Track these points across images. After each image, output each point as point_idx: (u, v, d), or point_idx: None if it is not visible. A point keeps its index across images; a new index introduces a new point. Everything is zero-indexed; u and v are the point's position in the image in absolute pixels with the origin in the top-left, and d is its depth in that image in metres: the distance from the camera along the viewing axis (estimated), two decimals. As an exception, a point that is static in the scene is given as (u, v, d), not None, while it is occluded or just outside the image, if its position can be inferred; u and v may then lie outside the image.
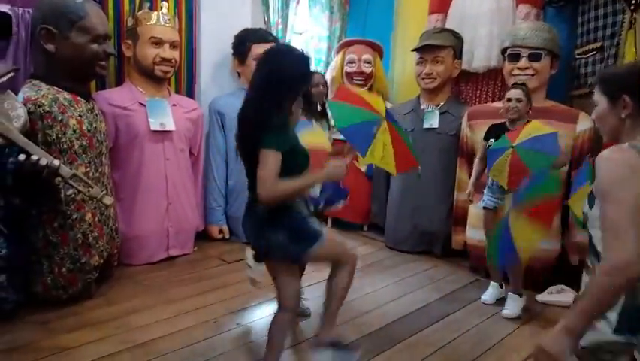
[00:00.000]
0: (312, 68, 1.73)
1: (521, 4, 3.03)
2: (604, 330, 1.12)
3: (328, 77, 3.80)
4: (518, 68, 2.73)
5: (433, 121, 3.15)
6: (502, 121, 2.45)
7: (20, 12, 2.24)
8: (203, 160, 3.30)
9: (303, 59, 1.55)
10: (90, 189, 1.91)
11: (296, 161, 1.53)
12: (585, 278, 1.28)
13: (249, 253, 1.99)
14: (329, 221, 3.89)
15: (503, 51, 2.88)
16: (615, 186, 1.09)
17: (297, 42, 4.03)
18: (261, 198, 1.47)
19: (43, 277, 2.21)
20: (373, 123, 1.75)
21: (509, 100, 2.37)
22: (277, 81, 1.48)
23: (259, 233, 1.60)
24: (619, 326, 1.11)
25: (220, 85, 3.45)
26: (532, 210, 1.82)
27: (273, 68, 1.51)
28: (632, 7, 2.50)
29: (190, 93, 3.30)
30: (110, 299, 2.42)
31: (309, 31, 4.07)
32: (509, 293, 2.42)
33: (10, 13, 2.20)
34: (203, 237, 3.35)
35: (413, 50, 3.21)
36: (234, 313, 2.33)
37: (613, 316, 1.11)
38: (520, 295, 2.39)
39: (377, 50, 3.72)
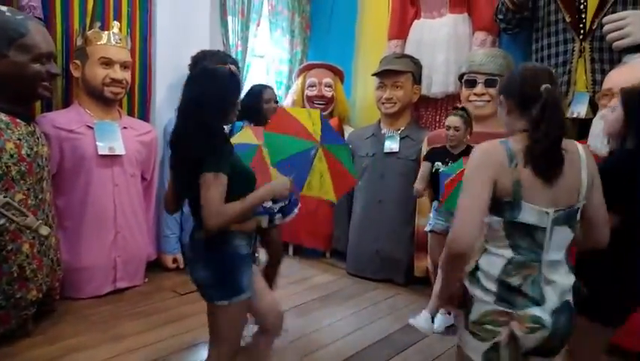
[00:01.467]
0: (240, 87, 1.77)
1: (478, 32, 3.09)
2: (488, 300, 1.20)
3: (289, 100, 3.76)
4: (475, 94, 2.76)
5: (393, 145, 3.14)
6: (444, 145, 2.58)
7: (-46, 28, 2.09)
8: (157, 185, 3.16)
9: (230, 80, 1.52)
10: (25, 218, 1.76)
11: (240, 183, 1.46)
12: (472, 259, 1.34)
13: None
14: (290, 248, 3.78)
15: (460, 77, 2.91)
16: (470, 172, 1.23)
17: (257, 65, 3.98)
18: (208, 226, 1.38)
19: (-28, 315, 2.01)
20: (309, 152, 1.69)
21: (448, 128, 2.48)
22: (205, 104, 1.43)
23: (193, 264, 1.56)
24: (498, 297, 1.20)
25: (175, 107, 3.32)
26: None
27: (199, 91, 1.46)
28: (580, 37, 2.58)
29: (144, 116, 3.17)
30: (50, 337, 2.24)
31: (270, 54, 4.03)
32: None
33: (-59, 29, 2.04)
34: (156, 267, 3.17)
35: (373, 75, 3.21)
36: (187, 350, 2.19)
37: (493, 287, 1.20)
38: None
39: (338, 74, 3.71)
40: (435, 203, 2.54)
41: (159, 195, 3.17)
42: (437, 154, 2.58)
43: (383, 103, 3.17)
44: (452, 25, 3.18)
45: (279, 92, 4.05)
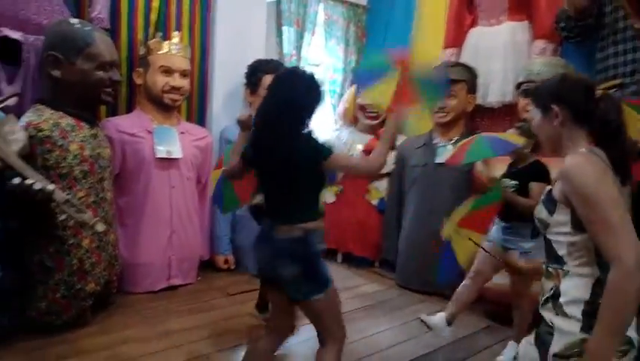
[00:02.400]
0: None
1: (537, 40, 2.96)
2: (572, 329, 1.13)
3: (341, 108, 3.78)
4: (532, 104, 2.64)
5: (445, 156, 3.06)
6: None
7: (32, 39, 2.29)
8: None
9: (315, 80, 1.58)
10: (83, 215, 1.88)
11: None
12: (546, 285, 1.26)
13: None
14: (339, 256, 3.79)
15: (518, 86, 2.80)
16: (598, 187, 1.11)
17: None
18: (373, 171, 1.60)
19: (38, 303, 2.18)
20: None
21: None
22: (298, 103, 1.53)
23: (273, 260, 1.59)
24: (585, 324, 1.11)
25: (231, 114, 3.44)
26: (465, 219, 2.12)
27: (291, 91, 1.54)
28: (653, 44, 2.41)
29: (201, 122, 3.31)
30: (104, 328, 2.37)
31: (324, 63, 4.08)
32: (510, 342, 2.25)
33: (21, 39, 2.25)
34: (208, 266, 3.29)
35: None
36: (229, 350, 2.24)
37: (578, 313, 1.13)
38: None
39: (391, 82, 3.68)
40: (495, 217, 2.26)
41: (213, 198, 3.29)
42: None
43: (436, 112, 3.10)
44: (511, 32, 3.07)
45: (332, 100, 4.09)
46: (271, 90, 1.59)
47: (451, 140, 3.14)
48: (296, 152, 1.50)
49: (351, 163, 1.71)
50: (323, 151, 1.51)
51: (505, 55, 3.03)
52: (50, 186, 1.86)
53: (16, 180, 1.83)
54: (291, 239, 1.54)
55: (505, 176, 2.27)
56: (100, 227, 1.89)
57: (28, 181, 1.83)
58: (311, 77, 1.57)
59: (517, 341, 2.26)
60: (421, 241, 3.16)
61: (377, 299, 3.04)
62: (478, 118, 3.28)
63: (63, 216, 1.88)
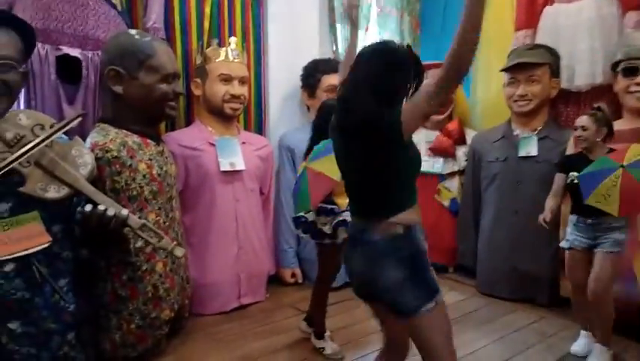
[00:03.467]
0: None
1: (630, 12, 2.63)
2: None
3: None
4: (637, 84, 2.33)
5: (530, 148, 2.78)
6: (578, 151, 2.21)
7: (90, 55, 2.18)
8: (273, 199, 3.11)
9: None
10: (160, 240, 1.73)
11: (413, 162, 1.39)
12: None
13: None
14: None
15: (614, 65, 2.49)
16: None
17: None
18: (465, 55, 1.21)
19: (112, 334, 2.05)
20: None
21: (575, 128, 2.14)
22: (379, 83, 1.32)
23: (372, 267, 1.35)
24: None
25: (289, 120, 3.28)
26: None
27: (387, 60, 1.34)
28: None
29: (260, 130, 3.15)
30: (181, 357, 2.23)
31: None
32: (595, 345, 2.08)
33: (80, 57, 2.13)
34: (274, 281, 3.12)
35: (503, 70, 2.88)
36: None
37: None
38: (608, 348, 2.05)
39: (457, 73, 3.41)
40: (573, 217, 2.17)
41: (275, 208, 3.13)
42: (572, 162, 2.20)
43: (516, 101, 2.82)
44: (595, 7, 2.74)
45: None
46: (352, 68, 1.40)
47: (535, 130, 2.85)
48: (371, 122, 1.30)
49: (421, 101, 1.28)
50: (397, 109, 1.28)
51: (591, 32, 2.71)
52: (124, 212, 1.71)
53: (88, 207, 1.68)
54: (391, 238, 1.32)
55: (576, 165, 2.13)
56: (179, 252, 1.73)
57: (101, 207, 1.68)
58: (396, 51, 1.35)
59: (594, 334, 2.14)
60: (506, 243, 2.89)
61: (462, 310, 2.79)
62: (561, 104, 2.97)
63: (140, 243, 1.73)
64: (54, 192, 1.64)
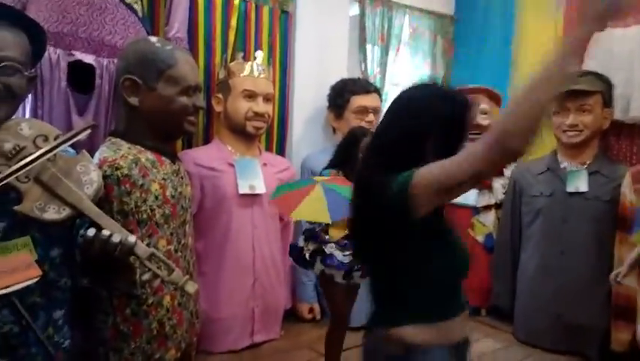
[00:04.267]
0: None
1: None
2: None
3: (436, 131, 3.32)
4: None
5: (580, 184, 2.52)
6: None
7: (105, 63, 1.99)
8: (293, 226, 2.87)
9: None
10: (171, 272, 1.50)
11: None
12: None
13: None
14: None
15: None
16: None
17: (395, 93, 3.63)
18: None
19: (110, 376, 1.80)
20: None
21: None
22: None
23: None
24: None
25: (313, 141, 3.07)
26: None
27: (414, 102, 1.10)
28: None
29: (281, 151, 2.94)
30: (187, 403, 1.97)
31: (410, 80, 3.65)
32: None
33: (94, 64, 1.95)
34: (290, 316, 2.86)
35: (551, 98, 2.65)
36: None
37: None
38: None
39: (494, 98, 3.20)
40: None
41: (296, 236, 2.89)
42: None
43: (565, 131, 2.58)
44: (654, 32, 2.53)
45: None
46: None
47: (584, 164, 2.60)
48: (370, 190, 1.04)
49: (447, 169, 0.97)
50: (405, 177, 0.98)
51: (649, 59, 2.49)
52: (131, 238, 1.49)
53: (91, 232, 1.46)
54: (384, 357, 1.00)
55: None
56: (191, 288, 1.49)
57: (105, 232, 1.46)
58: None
59: None
60: (550, 286, 2.61)
61: (502, 361, 2.50)
62: (613, 137, 2.73)
63: (147, 276, 1.50)
64: (54, 212, 1.44)
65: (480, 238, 3.11)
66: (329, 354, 2.08)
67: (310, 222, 2.02)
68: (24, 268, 1.20)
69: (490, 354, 2.58)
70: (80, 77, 1.94)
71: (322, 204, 1.74)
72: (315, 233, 1.94)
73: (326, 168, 2.07)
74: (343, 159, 2.04)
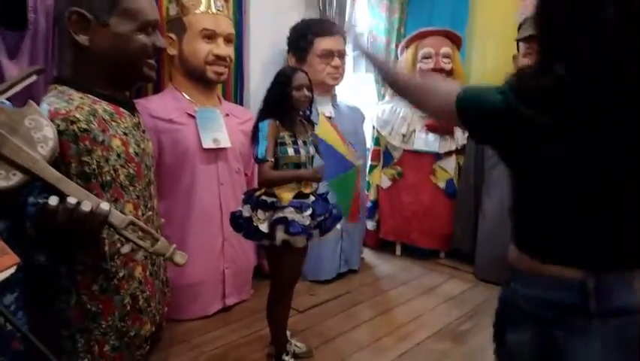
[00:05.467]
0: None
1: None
2: None
3: (397, 76, 3.20)
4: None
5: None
6: None
7: (39, -7, 1.63)
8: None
9: None
10: (155, 242, 1.30)
11: None
12: None
13: None
14: (398, 248, 3.28)
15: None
16: None
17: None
18: None
19: (79, 360, 1.59)
20: None
21: None
22: None
23: None
24: None
25: (271, 88, 2.84)
26: None
27: None
28: None
29: (239, 99, 2.69)
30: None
31: (366, 26, 3.48)
32: None
33: (25, -6, 1.58)
34: (255, 275, 2.73)
35: (519, 40, 2.60)
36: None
37: None
38: None
39: (456, 41, 3.12)
40: None
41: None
42: None
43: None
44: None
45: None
46: None
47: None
48: None
49: None
50: None
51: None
52: (105, 206, 1.25)
53: (53, 201, 1.21)
54: None
55: None
56: (180, 258, 1.30)
57: (72, 200, 1.21)
58: None
59: None
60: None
61: (473, 302, 2.57)
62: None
63: (126, 248, 1.29)
64: (1, 179, 1.18)
65: (441, 184, 3.11)
66: (277, 327, 1.93)
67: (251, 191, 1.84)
68: (-5, 255, 0.95)
69: (460, 295, 2.63)
70: (9, 11, 1.57)
71: None
72: (265, 202, 1.74)
73: (261, 119, 1.82)
74: (278, 106, 1.83)
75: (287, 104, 1.82)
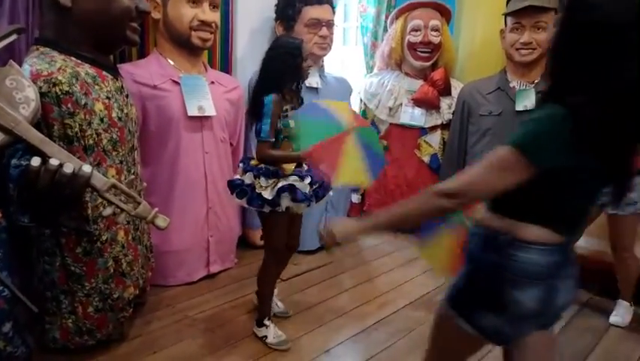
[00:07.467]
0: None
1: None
2: None
3: (386, 49, 3.18)
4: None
5: (528, 102, 2.56)
6: None
7: (18, -51, 1.58)
8: (243, 151, 2.69)
9: None
10: (137, 206, 1.30)
11: None
12: None
13: None
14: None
15: None
16: None
17: (341, 9, 3.40)
18: None
19: (63, 320, 1.62)
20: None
21: None
22: None
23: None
24: None
25: (259, 58, 2.79)
26: None
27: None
28: None
29: (226, 67, 2.67)
30: (149, 341, 1.86)
31: (356, -5, 3.44)
32: (619, 300, 2.19)
33: (2, -51, 1.54)
34: (241, 244, 2.76)
35: (507, 14, 2.60)
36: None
37: None
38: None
39: (445, 14, 3.10)
40: None
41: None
42: None
43: (518, 49, 2.57)
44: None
45: (364, 40, 3.48)
46: None
47: (533, 82, 2.64)
48: None
49: None
50: None
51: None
52: (87, 168, 1.25)
53: (35, 162, 1.21)
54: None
55: None
56: (162, 222, 1.31)
57: (54, 162, 1.21)
58: None
59: (627, 299, 2.17)
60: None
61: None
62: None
63: (108, 211, 1.29)
64: (-18, 140, 1.17)
65: (426, 159, 3.14)
66: (265, 290, 1.92)
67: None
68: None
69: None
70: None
71: (360, 163, 1.54)
72: (267, 170, 1.74)
73: (266, 92, 1.75)
74: (287, 77, 1.77)
75: (296, 76, 1.80)
